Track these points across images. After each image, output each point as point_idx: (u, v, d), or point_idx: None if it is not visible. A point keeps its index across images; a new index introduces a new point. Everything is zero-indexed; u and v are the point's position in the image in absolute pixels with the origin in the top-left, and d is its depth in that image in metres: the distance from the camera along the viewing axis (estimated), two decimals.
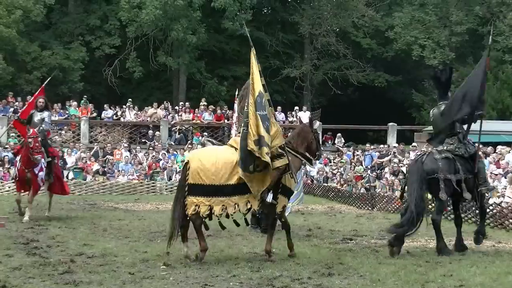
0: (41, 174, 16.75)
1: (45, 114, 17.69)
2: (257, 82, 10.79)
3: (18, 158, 17.09)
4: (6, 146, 31.01)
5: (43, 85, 19.14)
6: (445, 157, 12.46)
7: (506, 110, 40.22)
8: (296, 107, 38.71)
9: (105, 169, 30.21)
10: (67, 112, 36.05)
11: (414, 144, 32.36)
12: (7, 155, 29.63)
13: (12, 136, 32.84)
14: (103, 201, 23.48)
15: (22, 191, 17.44)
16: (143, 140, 34.85)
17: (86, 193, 27.29)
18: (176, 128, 36.01)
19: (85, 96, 37.60)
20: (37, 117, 17.46)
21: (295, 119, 37.07)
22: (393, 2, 50.86)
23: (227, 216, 10.95)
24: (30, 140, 16.24)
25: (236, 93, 16.96)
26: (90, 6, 46.62)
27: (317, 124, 13.78)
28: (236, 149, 10.95)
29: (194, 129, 36.10)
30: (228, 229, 13.59)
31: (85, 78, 44.49)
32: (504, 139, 28.26)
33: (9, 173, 28.46)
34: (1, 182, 27.42)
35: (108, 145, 32.73)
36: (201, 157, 11.02)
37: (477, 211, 16.45)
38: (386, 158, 30.16)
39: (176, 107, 37.88)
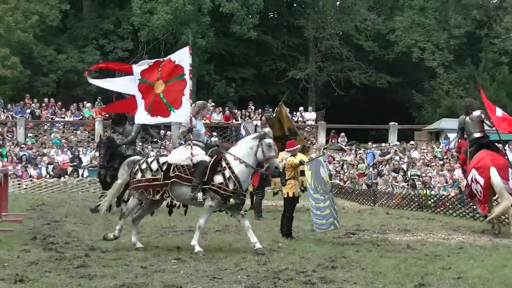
0: None
1: None
2: None
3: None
4: (23, 146, 31.08)
5: None
6: None
7: (504, 110, 40.05)
8: (301, 108, 38.69)
9: None
10: (81, 113, 36.12)
11: (412, 142, 32.33)
12: (25, 154, 29.69)
13: (30, 136, 32.92)
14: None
15: None
16: (154, 140, 34.86)
17: (100, 190, 27.22)
18: None
19: (99, 98, 37.66)
20: None
21: (300, 119, 37.06)
22: (394, 6, 50.81)
23: None
24: None
25: None
26: (104, 11, 46.68)
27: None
28: None
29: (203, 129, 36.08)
30: (235, 225, 13.62)
31: None
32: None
33: (27, 171, 28.55)
34: (19, 181, 27.44)
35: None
36: None
37: (474, 206, 16.51)
38: (388, 156, 30.08)
39: None
